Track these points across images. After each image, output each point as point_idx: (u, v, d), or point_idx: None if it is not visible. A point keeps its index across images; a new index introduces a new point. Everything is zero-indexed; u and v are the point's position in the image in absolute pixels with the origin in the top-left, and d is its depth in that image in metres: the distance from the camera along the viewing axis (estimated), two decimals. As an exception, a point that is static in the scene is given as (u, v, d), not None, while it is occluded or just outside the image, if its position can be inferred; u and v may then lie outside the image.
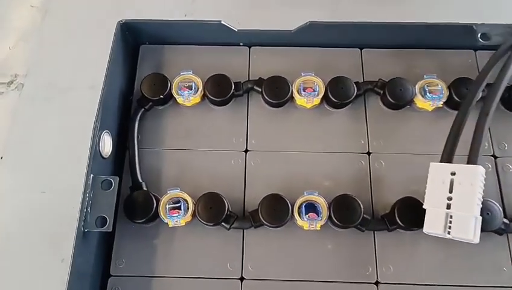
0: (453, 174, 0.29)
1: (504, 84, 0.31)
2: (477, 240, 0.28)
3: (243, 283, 0.31)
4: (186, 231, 0.32)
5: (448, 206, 0.29)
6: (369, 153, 0.35)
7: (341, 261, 0.31)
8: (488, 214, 0.31)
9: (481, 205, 0.28)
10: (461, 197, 0.28)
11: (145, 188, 0.32)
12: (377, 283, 0.31)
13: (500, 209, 0.31)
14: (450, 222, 0.29)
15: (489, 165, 0.34)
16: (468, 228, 0.28)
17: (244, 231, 0.32)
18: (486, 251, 0.32)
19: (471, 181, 0.28)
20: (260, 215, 0.31)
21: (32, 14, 0.55)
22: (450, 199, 0.29)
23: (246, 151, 0.35)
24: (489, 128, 0.35)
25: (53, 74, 0.53)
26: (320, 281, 0.31)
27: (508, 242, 0.32)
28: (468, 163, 0.29)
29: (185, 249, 0.32)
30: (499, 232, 0.31)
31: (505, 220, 0.31)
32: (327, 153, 0.35)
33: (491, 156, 0.34)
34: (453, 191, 0.29)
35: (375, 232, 0.32)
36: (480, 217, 0.28)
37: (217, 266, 0.31)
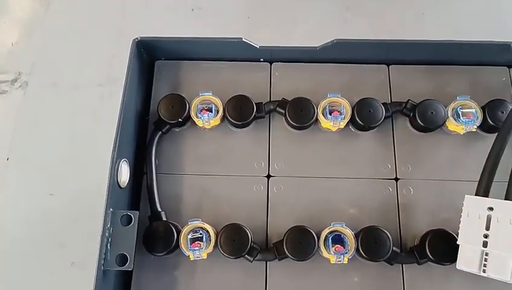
0: (491, 209, 0.28)
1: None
2: (513, 281, 0.27)
3: (267, 316, 0.30)
4: (208, 263, 0.31)
5: (485, 244, 0.27)
6: (396, 179, 0.33)
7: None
8: None
9: (520, 245, 0.27)
10: (499, 235, 0.27)
11: (164, 218, 0.31)
12: (404, 317, 0.30)
13: (536, 243, 0.30)
14: (486, 260, 0.27)
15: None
16: (505, 268, 0.26)
17: (268, 263, 0.31)
18: None
19: (510, 218, 0.27)
20: (285, 248, 0.30)
21: (35, 7, 0.53)
22: (486, 236, 0.28)
23: (269, 176, 0.33)
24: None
25: (58, 71, 0.51)
26: (346, 315, 0.30)
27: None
28: (506, 198, 0.28)
29: (207, 281, 0.31)
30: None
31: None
32: (353, 179, 0.33)
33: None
34: (490, 228, 0.27)
35: (404, 265, 0.31)
36: (520, 257, 0.27)
37: (240, 299, 0.31)
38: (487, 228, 0.28)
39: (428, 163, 0.33)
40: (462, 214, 0.29)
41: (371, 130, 0.34)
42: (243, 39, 0.33)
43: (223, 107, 0.33)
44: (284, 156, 0.34)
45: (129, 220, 0.27)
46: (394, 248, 0.30)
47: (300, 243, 0.30)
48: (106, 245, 0.26)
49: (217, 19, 0.52)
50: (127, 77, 0.31)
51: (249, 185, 0.33)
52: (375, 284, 0.31)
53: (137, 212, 0.28)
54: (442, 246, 0.30)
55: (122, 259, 0.27)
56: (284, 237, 0.30)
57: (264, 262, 0.31)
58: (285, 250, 0.30)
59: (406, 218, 0.32)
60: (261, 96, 0.35)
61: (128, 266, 0.26)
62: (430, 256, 0.30)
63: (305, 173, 0.33)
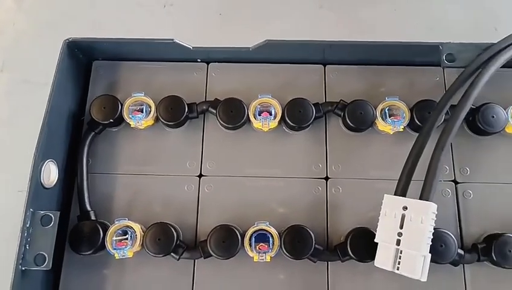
0: (405, 208, 0.28)
1: (463, 115, 0.29)
2: (424, 278, 0.27)
3: (193, 314, 0.31)
4: (136, 262, 0.31)
5: (398, 243, 0.28)
6: (327, 178, 0.34)
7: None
8: (441, 246, 0.30)
9: (430, 243, 0.27)
10: (411, 234, 0.27)
11: (93, 218, 0.32)
12: (328, 314, 0.31)
13: (455, 240, 0.30)
14: (400, 258, 0.28)
15: (449, 191, 0.33)
16: (415, 267, 0.27)
17: (195, 261, 0.32)
18: (441, 283, 0.31)
19: (421, 218, 0.27)
20: (209, 246, 0.30)
21: (7, 3, 0.53)
22: (400, 234, 0.28)
23: (200, 176, 0.34)
24: (451, 151, 0.34)
25: (30, 67, 0.51)
26: (271, 312, 0.31)
27: (464, 273, 0.31)
28: (420, 198, 0.28)
29: (135, 280, 0.31)
30: (454, 263, 0.30)
31: (460, 251, 0.30)
32: (284, 178, 0.33)
33: (451, 181, 0.33)
34: (404, 226, 0.28)
35: (329, 262, 0.32)
36: (429, 255, 0.27)
37: (167, 297, 0.31)
38: (401, 227, 0.28)
39: (358, 162, 0.34)
40: (380, 212, 0.29)
41: (303, 130, 0.35)
42: (175, 40, 0.34)
43: (155, 108, 0.34)
44: (216, 156, 0.34)
45: (50, 220, 0.28)
46: (317, 246, 0.31)
47: (223, 241, 0.30)
48: (25, 245, 0.27)
49: (188, 16, 0.52)
50: (55, 78, 0.31)
51: (180, 184, 0.33)
52: (301, 281, 0.31)
53: (58, 212, 0.28)
54: (363, 244, 0.30)
55: (41, 259, 0.27)
56: (208, 236, 0.31)
57: (192, 261, 0.32)
58: (209, 248, 0.30)
59: (334, 217, 0.33)
60: (197, 96, 0.35)
61: (46, 266, 0.27)
62: (351, 254, 0.30)
63: (236, 173, 0.34)
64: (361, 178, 0.33)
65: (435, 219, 0.28)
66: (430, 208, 0.27)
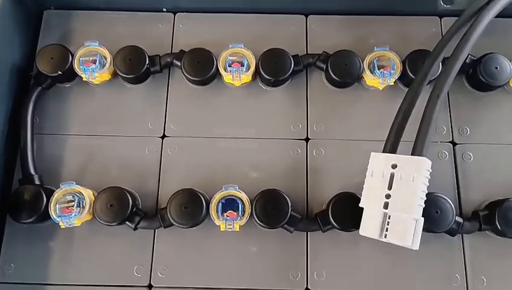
0: (394, 167, 0.25)
1: (461, 60, 0.25)
2: (416, 246, 0.23)
3: (151, 291, 0.27)
4: (87, 232, 0.27)
5: (386, 206, 0.24)
6: (307, 140, 0.30)
7: (266, 266, 0.27)
8: (437, 212, 0.26)
9: (423, 205, 0.23)
10: (400, 195, 0.23)
11: (37, 182, 0.28)
12: (306, 291, 0.27)
13: (453, 206, 0.26)
14: (388, 224, 0.24)
15: (447, 153, 0.29)
16: (405, 233, 0.23)
17: (156, 231, 0.28)
18: (436, 255, 0.27)
19: (413, 176, 0.23)
20: (169, 214, 0.26)
21: None
22: (388, 196, 0.24)
23: (163, 137, 0.30)
24: (449, 109, 0.30)
25: None
26: (241, 289, 0.27)
27: (462, 244, 0.27)
28: (412, 154, 0.24)
29: (85, 253, 0.27)
30: (451, 232, 0.27)
31: (458, 219, 0.26)
32: (258, 140, 0.29)
33: (449, 142, 0.29)
34: (393, 187, 0.24)
35: (308, 233, 0.28)
36: (422, 219, 0.23)
37: (122, 271, 0.27)
38: (389, 188, 0.24)
39: (343, 121, 0.30)
40: (366, 173, 0.26)
41: (281, 86, 0.31)
42: (135, -19, 0.30)
43: (111, 60, 0.30)
44: (182, 115, 0.30)
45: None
46: (293, 213, 0.27)
47: (185, 208, 0.26)
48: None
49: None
50: (-6, 23, 0.28)
51: (141, 146, 0.29)
52: (276, 254, 0.27)
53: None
54: (347, 210, 0.26)
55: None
56: (168, 202, 0.27)
57: (152, 231, 0.28)
58: (169, 216, 0.26)
59: (315, 182, 0.29)
60: (162, 50, 0.31)
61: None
62: (333, 222, 0.26)
63: (204, 133, 0.30)
64: (346, 139, 0.29)
65: (429, 177, 0.24)
66: (422, 164, 0.23)
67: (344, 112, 0.30)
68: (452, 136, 0.29)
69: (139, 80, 0.30)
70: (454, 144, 0.29)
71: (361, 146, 0.29)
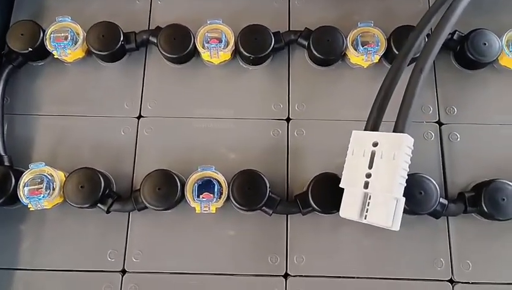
0: (375, 145, 0.24)
1: (446, 32, 0.24)
2: (396, 227, 0.22)
3: (124, 276, 0.26)
4: (58, 215, 0.26)
5: (366, 185, 0.23)
6: (288, 120, 0.28)
7: (244, 250, 0.26)
8: (420, 193, 0.25)
9: (404, 184, 0.22)
10: (381, 173, 0.22)
11: (7, 163, 0.26)
12: (286, 276, 0.26)
13: (437, 187, 0.25)
14: (368, 204, 0.23)
15: (432, 134, 0.28)
16: (385, 213, 0.22)
17: (130, 214, 0.27)
18: (419, 238, 0.26)
19: (394, 153, 0.22)
20: (142, 196, 0.25)
21: None
22: (368, 175, 0.23)
23: (139, 117, 0.28)
24: (435, 88, 0.29)
25: None
26: (217, 274, 0.26)
27: (447, 227, 0.26)
28: (394, 131, 0.23)
29: (57, 236, 0.26)
30: (435, 214, 0.26)
31: (443, 200, 0.25)
32: (238, 120, 0.28)
33: (435, 122, 0.28)
34: (373, 165, 0.23)
35: (288, 216, 0.27)
36: (403, 199, 0.22)
37: (95, 256, 0.26)
38: (370, 166, 0.23)
39: (326, 101, 0.29)
40: (347, 152, 0.25)
41: (262, 64, 0.29)
42: (107, -45, 0.29)
43: (84, 36, 0.28)
44: (159, 94, 0.29)
45: None
46: (272, 195, 0.26)
47: (159, 189, 0.25)
48: None
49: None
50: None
51: (115, 127, 0.28)
52: (254, 238, 0.26)
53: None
54: (328, 192, 0.25)
55: None
56: (141, 184, 0.26)
57: (127, 214, 0.27)
58: (143, 198, 0.25)
59: (296, 164, 0.28)
60: (139, 27, 0.30)
61: None
62: (313, 204, 0.25)
63: (181, 113, 0.28)
64: (329, 119, 0.28)
65: (410, 155, 0.23)
66: (403, 141, 0.22)
67: (327, 91, 0.29)
68: (438, 116, 0.28)
69: (114, 57, 0.29)
70: (440, 124, 0.28)
71: (344, 126, 0.28)
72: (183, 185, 0.26)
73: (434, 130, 0.28)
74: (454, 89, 0.29)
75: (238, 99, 0.29)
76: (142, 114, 0.28)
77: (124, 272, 0.26)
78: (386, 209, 0.22)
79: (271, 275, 0.26)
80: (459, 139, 0.28)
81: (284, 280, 0.25)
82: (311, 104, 0.29)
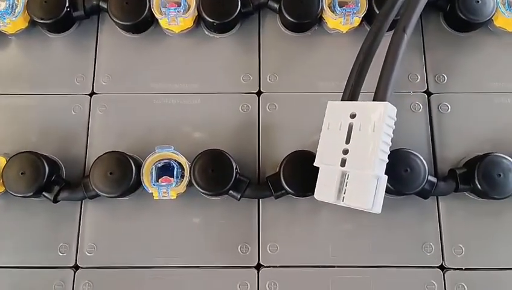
0: (353, 116, 0.21)
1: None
2: (377, 209, 0.19)
3: (77, 272, 0.23)
4: (2, 206, 0.23)
5: (343, 163, 0.20)
6: (259, 93, 0.25)
7: (211, 239, 0.23)
8: (406, 171, 0.22)
9: (387, 160, 0.20)
10: (359, 148, 0.20)
11: None
12: (258, 267, 0.23)
13: (424, 163, 0.22)
14: (346, 185, 0.20)
15: (420, 105, 0.25)
16: (365, 193, 0.19)
17: (83, 203, 0.24)
18: (406, 221, 0.23)
19: (373, 125, 0.20)
20: (92, 182, 0.22)
21: None
22: (346, 152, 0.20)
23: (92, 94, 0.25)
24: (423, 53, 0.26)
25: None
26: (181, 267, 0.23)
27: (437, 208, 0.24)
28: (374, 99, 0.21)
29: (0, 229, 0.23)
30: (423, 194, 0.23)
31: (431, 178, 0.22)
32: (202, 94, 0.25)
33: (423, 92, 0.25)
34: (351, 140, 0.20)
35: (260, 200, 0.24)
36: (385, 177, 0.19)
37: (44, 251, 0.23)
38: (348, 141, 0.20)
39: (301, 71, 0.26)
40: (322, 126, 0.22)
41: (229, 32, 0.26)
42: None
43: (25, 3, 0.25)
44: (113, 68, 0.26)
45: None
46: (241, 177, 0.23)
47: (110, 173, 0.22)
48: None
49: None
50: None
51: (65, 106, 0.25)
52: (222, 226, 0.23)
53: None
54: (301, 173, 0.22)
55: None
56: (91, 168, 0.23)
57: (79, 203, 0.24)
58: (93, 184, 0.22)
59: (268, 141, 0.24)
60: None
61: None
62: (286, 186, 0.22)
63: (139, 89, 0.25)
64: (304, 91, 0.25)
65: (393, 126, 0.20)
66: (384, 110, 0.19)
67: (302, 61, 0.26)
68: (427, 84, 0.25)
69: (60, 27, 0.26)
70: (429, 93, 0.25)
71: (322, 99, 0.24)
72: (138, 168, 0.23)
73: (422, 100, 0.25)
74: (444, 55, 0.26)
75: (203, 72, 0.26)
76: (94, 91, 0.25)
77: (76, 267, 0.23)
78: (365, 189, 0.19)
79: (241, 267, 0.23)
80: (449, 110, 0.25)
81: (256, 271, 0.23)
82: (284, 76, 0.26)
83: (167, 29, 0.26)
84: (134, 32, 0.26)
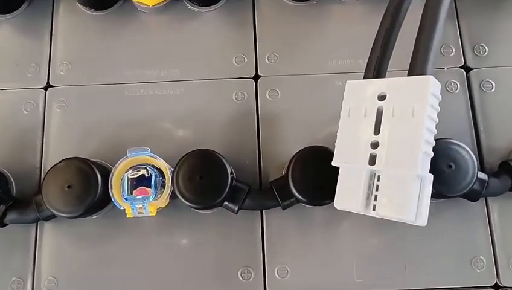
0: (382, 98, 0.16)
1: None
2: (422, 220, 0.14)
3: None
4: None
5: (373, 161, 0.16)
6: (256, 77, 0.21)
7: (204, 264, 0.18)
8: (450, 166, 0.17)
9: (431, 154, 0.15)
10: (394, 140, 0.15)
11: None
12: (266, 295, 0.19)
13: (473, 156, 0.17)
14: (377, 189, 0.16)
15: (457, 84, 0.20)
16: (405, 200, 0.14)
17: (38, 226, 0.19)
18: (448, 230, 0.18)
19: (412, 108, 0.15)
20: (44, 199, 0.17)
21: None
22: (375, 145, 0.16)
23: (47, 87, 0.20)
24: (457, 21, 0.21)
25: None
26: (168, 300, 0.19)
27: (487, 212, 0.19)
28: (410, 74, 0.16)
29: None
30: (472, 196, 0.18)
31: (481, 175, 0.18)
32: (186, 82, 0.20)
33: (460, 67, 0.20)
34: (382, 130, 0.16)
35: (263, 212, 0.19)
36: (431, 177, 0.15)
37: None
38: (377, 132, 0.16)
39: (307, 49, 0.20)
40: (341, 114, 0.17)
41: (217, 4, 0.21)
42: None
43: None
44: (74, 54, 0.21)
45: None
46: (238, 184, 0.18)
47: (69, 187, 0.18)
48: None
49: None
50: None
51: (15, 103, 0.20)
52: (217, 248, 0.18)
53: None
54: (316, 175, 0.17)
55: None
56: (43, 181, 0.18)
57: (34, 226, 0.19)
58: (46, 202, 0.17)
59: (270, 137, 0.20)
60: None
61: None
62: (296, 193, 0.17)
63: (105, 78, 0.20)
64: (313, 73, 0.20)
65: (438, 108, 0.15)
66: (426, 87, 0.14)
67: (308, 35, 0.21)
68: (464, 58, 0.20)
69: (6, 6, 0.21)
70: (467, 69, 0.20)
71: (333, 81, 0.20)
72: (106, 178, 0.18)
73: (459, 78, 0.20)
74: (483, 21, 0.21)
75: (186, 55, 0.21)
76: (51, 83, 0.20)
77: (34, 302, 0.18)
78: (405, 194, 0.14)
79: (241, 295, 0.19)
80: (494, 89, 0.20)
81: (262, 302, 0.18)
82: (286, 55, 0.21)
83: (139, 2, 0.21)
84: (98, 8, 0.21)
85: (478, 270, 0.18)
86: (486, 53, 0.21)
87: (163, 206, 0.18)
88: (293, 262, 0.18)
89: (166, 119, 0.20)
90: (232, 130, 0.20)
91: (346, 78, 0.17)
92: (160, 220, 0.18)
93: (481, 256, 0.18)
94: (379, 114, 0.15)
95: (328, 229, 0.18)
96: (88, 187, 0.17)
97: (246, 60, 0.21)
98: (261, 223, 0.19)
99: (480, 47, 0.21)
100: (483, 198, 0.19)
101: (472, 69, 0.20)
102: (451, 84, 0.20)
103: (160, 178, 0.18)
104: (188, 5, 0.21)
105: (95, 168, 0.17)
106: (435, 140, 0.17)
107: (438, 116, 0.15)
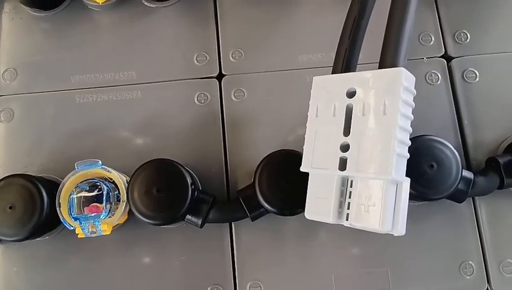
0: (352, 94, 0.15)
1: None
2: (399, 230, 0.12)
3: None
4: None
5: (343, 165, 0.14)
6: (220, 77, 0.19)
7: (168, 285, 0.17)
8: (432, 166, 0.16)
9: (407, 155, 0.13)
10: (365, 141, 0.13)
11: None
12: (235, 318, 0.17)
13: (456, 154, 0.16)
14: (349, 196, 0.14)
15: (438, 75, 0.19)
16: (380, 208, 0.13)
17: (-18, 249, 0.18)
18: (434, 234, 0.17)
19: (383, 104, 0.13)
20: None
21: None
22: (345, 148, 0.14)
23: (-8, 96, 0.19)
24: (435, 6, 0.20)
25: None
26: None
27: (475, 213, 0.17)
28: (381, 67, 0.14)
29: None
30: (458, 196, 0.17)
31: (467, 173, 0.16)
32: (143, 86, 0.18)
33: (441, 57, 0.19)
34: (352, 130, 0.14)
35: (232, 224, 0.17)
36: (408, 181, 0.13)
37: None
38: (347, 133, 0.14)
39: (275, 43, 0.19)
40: (308, 113, 0.16)
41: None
42: None
43: None
44: (20, 59, 0.19)
45: None
46: (202, 195, 0.16)
47: (11, 208, 0.16)
48: None
49: None
50: None
51: (-46, 116, 0.19)
52: (182, 266, 0.16)
53: None
54: (285, 182, 0.16)
55: None
56: (-17, 201, 0.17)
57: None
58: (-13, 224, 0.16)
59: (237, 141, 0.18)
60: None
61: None
62: (264, 203, 0.16)
63: (53, 85, 0.18)
64: (281, 69, 0.19)
65: (413, 104, 0.13)
66: (398, 80, 0.12)
67: (274, 29, 0.19)
68: (444, 47, 0.19)
69: None
70: (449, 58, 0.19)
71: (304, 77, 0.18)
72: (53, 195, 0.16)
73: (440, 68, 0.19)
74: (463, 5, 0.19)
75: (142, 56, 0.19)
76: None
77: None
78: (380, 202, 0.13)
79: (211, 318, 0.17)
80: (478, 78, 0.19)
81: (231, 324, 0.17)
82: (252, 51, 0.19)
83: (88, 0, 0.19)
84: (43, 7, 0.19)
85: (468, 277, 0.17)
86: (468, 40, 0.19)
87: (121, 223, 0.17)
88: (267, 277, 0.17)
89: (122, 126, 0.18)
90: (195, 135, 0.18)
91: (319, 73, 0.16)
92: (118, 238, 0.17)
93: (470, 261, 0.17)
94: (348, 113, 0.14)
95: (304, 239, 0.17)
96: (32, 207, 0.15)
97: (208, 58, 0.19)
98: (230, 236, 0.17)
99: (462, 34, 0.19)
100: (471, 198, 0.17)
101: (453, 58, 0.19)
102: (431, 75, 0.19)
103: (116, 192, 0.16)
104: (144, 2, 0.20)
105: (40, 186, 0.16)
106: (415, 138, 0.15)
107: (418, 111, 0.14)
